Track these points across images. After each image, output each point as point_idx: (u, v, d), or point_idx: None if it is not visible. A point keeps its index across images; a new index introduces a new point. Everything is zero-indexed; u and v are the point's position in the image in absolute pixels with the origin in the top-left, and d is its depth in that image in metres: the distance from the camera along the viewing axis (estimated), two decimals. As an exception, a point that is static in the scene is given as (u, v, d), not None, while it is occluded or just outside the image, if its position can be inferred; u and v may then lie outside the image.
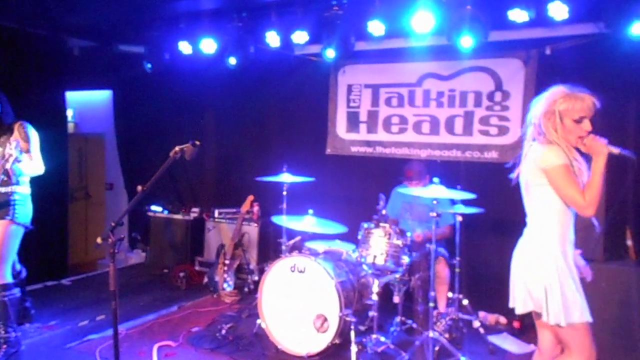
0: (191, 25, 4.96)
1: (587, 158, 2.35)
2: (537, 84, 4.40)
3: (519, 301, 2.39)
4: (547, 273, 2.28)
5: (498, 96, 4.60)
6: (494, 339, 3.94)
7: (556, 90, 2.35)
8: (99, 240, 2.21)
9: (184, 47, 5.09)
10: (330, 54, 4.57)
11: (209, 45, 4.95)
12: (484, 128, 4.67)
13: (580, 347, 2.30)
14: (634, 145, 3.88)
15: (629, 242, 3.72)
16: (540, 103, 2.37)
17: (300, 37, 4.58)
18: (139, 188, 2.26)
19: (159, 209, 5.80)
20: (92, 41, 5.77)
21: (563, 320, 2.25)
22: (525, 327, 4.11)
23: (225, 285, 4.86)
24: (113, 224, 2.15)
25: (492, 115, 4.63)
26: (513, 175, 2.50)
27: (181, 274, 5.26)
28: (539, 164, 2.31)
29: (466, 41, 3.96)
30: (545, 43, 4.27)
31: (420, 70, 4.92)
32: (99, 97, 6.63)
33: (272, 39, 4.71)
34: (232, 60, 4.96)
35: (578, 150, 2.35)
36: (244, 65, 4.98)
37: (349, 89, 5.30)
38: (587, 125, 2.30)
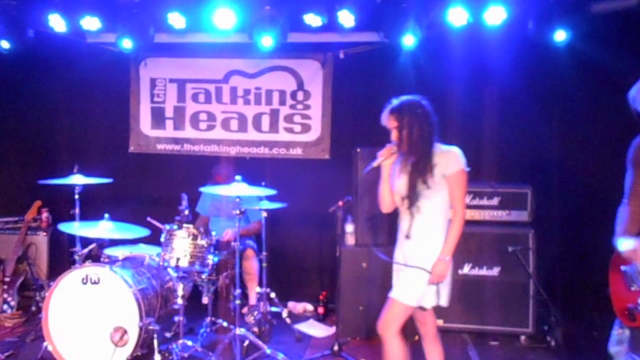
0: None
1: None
2: (334, 85, 4.74)
3: None
4: None
5: (300, 95, 4.82)
6: (300, 326, 4.14)
7: None
8: None
9: None
10: (126, 44, 4.24)
11: (-29, 24, 4.14)
12: (288, 126, 4.86)
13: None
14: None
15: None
16: None
17: (90, 23, 4.15)
18: None
19: None
20: None
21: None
22: (328, 311, 4.43)
23: (5, 306, 4.17)
24: None
25: (296, 113, 4.85)
26: None
27: (-57, 300, 4.32)
28: None
29: (266, 41, 4.05)
30: (339, 47, 4.61)
31: (226, 67, 4.89)
32: None
33: (57, 22, 4.17)
34: (5, 44, 4.26)
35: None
36: (22, 50, 4.31)
37: (153, 83, 4.99)
38: (393, 135, 2.53)
